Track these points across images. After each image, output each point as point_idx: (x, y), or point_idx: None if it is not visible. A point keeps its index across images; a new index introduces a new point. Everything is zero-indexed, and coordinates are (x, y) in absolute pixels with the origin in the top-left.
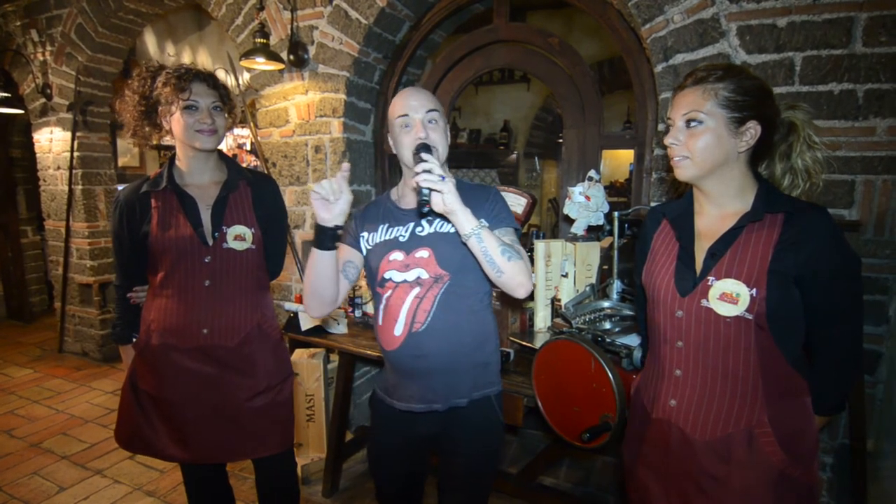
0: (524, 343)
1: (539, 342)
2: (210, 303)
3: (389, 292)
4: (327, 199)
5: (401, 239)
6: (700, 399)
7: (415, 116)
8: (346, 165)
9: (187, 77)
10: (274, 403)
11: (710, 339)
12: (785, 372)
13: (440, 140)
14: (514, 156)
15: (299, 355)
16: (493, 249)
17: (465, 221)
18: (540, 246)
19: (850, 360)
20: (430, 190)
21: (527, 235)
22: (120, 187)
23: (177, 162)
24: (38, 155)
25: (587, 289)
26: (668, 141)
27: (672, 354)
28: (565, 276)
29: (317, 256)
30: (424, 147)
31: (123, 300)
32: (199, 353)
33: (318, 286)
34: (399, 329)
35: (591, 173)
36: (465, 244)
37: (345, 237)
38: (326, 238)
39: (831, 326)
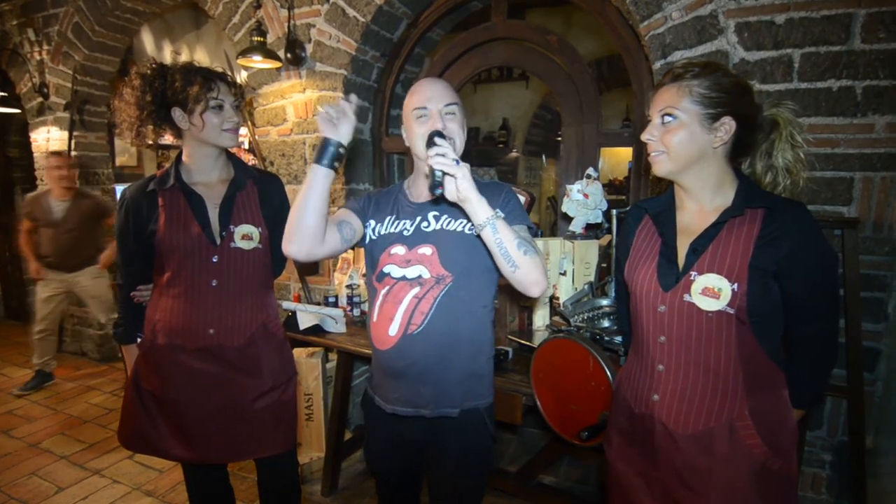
0: (522, 341)
1: (537, 340)
2: (217, 303)
3: (387, 289)
4: (330, 120)
5: (405, 233)
6: (682, 393)
7: (432, 108)
8: (352, 97)
9: (212, 76)
10: (279, 403)
11: (692, 334)
12: (765, 365)
13: (457, 132)
14: (513, 153)
15: (298, 354)
16: (508, 241)
17: (480, 209)
18: (538, 244)
19: (827, 354)
20: (444, 173)
21: None
22: (118, 187)
23: (184, 160)
24: (35, 154)
25: (585, 287)
26: (644, 137)
27: (655, 349)
28: (564, 274)
29: (311, 173)
30: (438, 133)
31: (127, 299)
32: (205, 354)
33: (303, 214)
34: (394, 329)
35: (590, 171)
36: (478, 236)
37: (352, 205)
38: (328, 153)
39: (809, 321)
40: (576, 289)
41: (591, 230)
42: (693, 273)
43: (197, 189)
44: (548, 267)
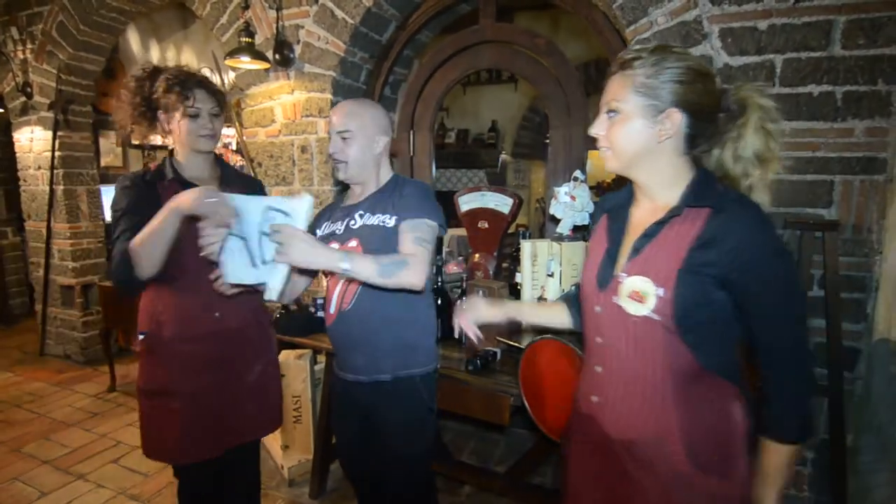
0: (510, 342)
1: (525, 341)
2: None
3: (329, 277)
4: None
5: (337, 232)
6: (615, 397)
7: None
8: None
9: (190, 84)
10: (273, 378)
11: (621, 337)
12: (700, 377)
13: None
14: (502, 155)
15: (286, 356)
16: (370, 276)
17: (324, 259)
18: (526, 246)
19: (794, 375)
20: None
21: (514, 235)
22: (103, 188)
23: (177, 157)
24: (18, 154)
25: (573, 288)
26: (591, 131)
27: (594, 350)
28: (551, 275)
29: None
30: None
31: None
32: (212, 338)
33: None
34: (333, 308)
35: (577, 173)
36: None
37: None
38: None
39: (766, 332)
40: (563, 290)
41: (579, 232)
42: (622, 275)
43: (193, 183)
44: (535, 268)
